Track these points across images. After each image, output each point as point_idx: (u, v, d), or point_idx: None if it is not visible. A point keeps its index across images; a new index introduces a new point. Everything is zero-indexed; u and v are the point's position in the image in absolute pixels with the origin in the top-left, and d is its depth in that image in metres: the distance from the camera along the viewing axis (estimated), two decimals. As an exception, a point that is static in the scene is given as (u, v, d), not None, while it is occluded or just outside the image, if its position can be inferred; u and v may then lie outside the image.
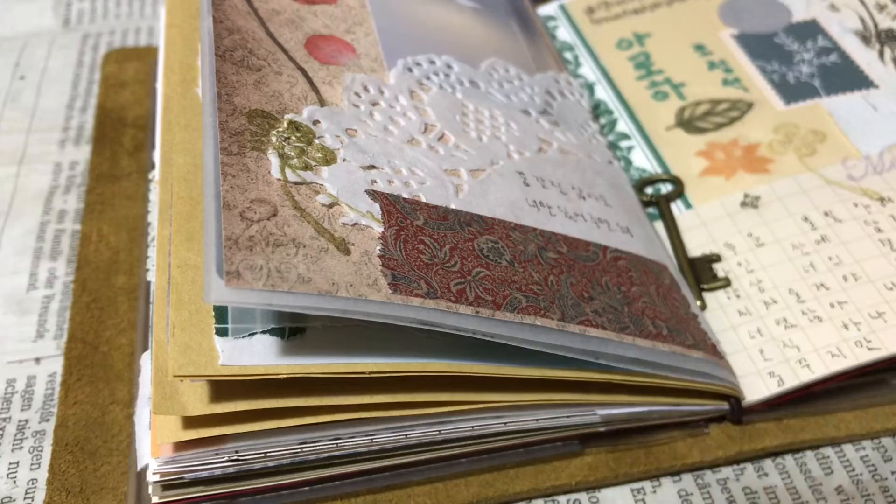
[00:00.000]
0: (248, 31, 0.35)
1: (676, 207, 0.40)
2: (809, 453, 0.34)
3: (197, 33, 0.36)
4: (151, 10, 0.55)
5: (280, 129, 0.32)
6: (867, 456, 0.34)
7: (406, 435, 0.30)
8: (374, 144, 0.33)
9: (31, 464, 0.33)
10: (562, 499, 0.32)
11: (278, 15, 0.37)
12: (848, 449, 0.34)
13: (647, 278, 0.35)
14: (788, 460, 0.34)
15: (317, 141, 0.32)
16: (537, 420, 0.31)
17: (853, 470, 0.33)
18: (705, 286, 0.37)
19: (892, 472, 0.33)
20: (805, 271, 0.37)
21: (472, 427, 0.31)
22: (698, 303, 0.36)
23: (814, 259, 0.37)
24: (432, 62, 0.40)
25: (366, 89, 0.36)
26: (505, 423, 0.31)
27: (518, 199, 0.35)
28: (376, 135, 0.34)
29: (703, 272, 0.37)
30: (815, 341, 0.34)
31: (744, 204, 0.39)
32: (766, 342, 0.35)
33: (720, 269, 0.38)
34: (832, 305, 0.35)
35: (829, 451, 0.34)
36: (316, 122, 0.33)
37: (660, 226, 0.40)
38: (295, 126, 0.32)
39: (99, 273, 0.37)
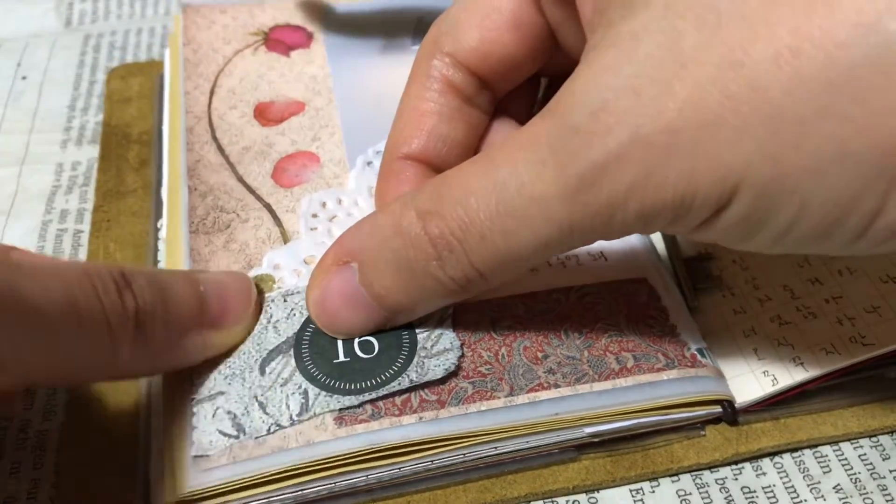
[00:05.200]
0: (219, 186, 0.37)
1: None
2: (808, 452, 0.32)
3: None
4: (153, 12, 0.53)
5: None
6: (865, 455, 0.32)
7: (400, 469, 0.29)
8: None
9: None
10: (560, 500, 0.31)
11: (248, 151, 0.38)
12: (846, 447, 0.32)
13: (618, 306, 0.33)
14: (787, 459, 0.32)
15: (276, 285, 0.33)
16: (528, 442, 0.30)
17: (851, 469, 0.32)
18: (700, 286, 0.35)
19: (891, 471, 0.32)
20: (800, 266, 0.35)
21: (464, 455, 0.30)
22: (691, 303, 0.34)
23: (808, 254, 0.35)
24: None
25: (323, 206, 0.36)
26: (496, 448, 0.30)
27: None
28: None
29: (697, 272, 0.35)
30: (810, 339, 0.33)
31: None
32: (761, 341, 0.33)
33: (715, 267, 0.36)
34: (826, 301, 0.34)
35: (827, 449, 0.32)
36: (276, 266, 0.34)
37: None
38: (257, 279, 0.33)
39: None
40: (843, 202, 0.24)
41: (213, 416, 0.30)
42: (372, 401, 0.30)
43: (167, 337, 0.29)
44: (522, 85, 0.35)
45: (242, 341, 0.31)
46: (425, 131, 0.33)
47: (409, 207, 0.29)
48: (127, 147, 0.43)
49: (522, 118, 0.35)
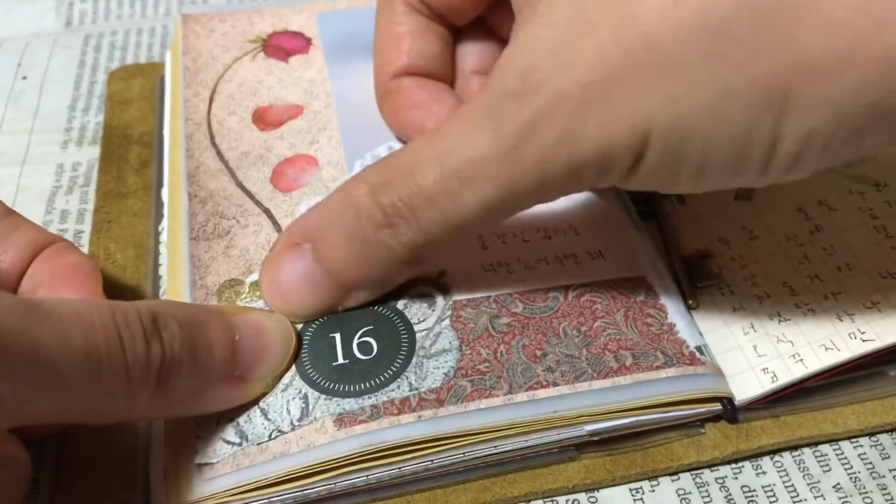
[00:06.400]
0: (219, 192, 0.37)
1: (669, 203, 0.37)
2: (807, 451, 0.32)
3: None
4: (153, 12, 0.52)
5: (243, 294, 0.33)
6: (865, 454, 0.32)
7: (399, 468, 0.29)
8: None
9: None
10: (560, 499, 0.31)
11: (247, 156, 0.38)
12: (846, 446, 0.32)
13: (616, 304, 0.33)
14: (786, 458, 0.32)
15: None
16: (527, 441, 0.30)
17: (851, 468, 0.31)
18: (699, 284, 0.35)
19: (890, 470, 0.31)
20: (799, 263, 0.34)
21: (464, 454, 0.29)
22: (690, 302, 0.34)
23: (808, 250, 0.35)
24: (391, 148, 0.38)
25: None
26: (496, 447, 0.30)
27: (472, 269, 0.33)
28: None
29: (695, 270, 0.35)
30: (809, 335, 0.32)
31: (737, 196, 0.37)
32: (760, 337, 0.33)
33: (714, 264, 0.35)
34: (826, 297, 0.33)
35: (826, 448, 0.32)
36: None
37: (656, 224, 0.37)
38: (256, 285, 0.33)
39: (105, 291, 0.35)
40: (741, 137, 0.26)
41: (217, 423, 0.29)
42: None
43: (191, 389, 0.27)
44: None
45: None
46: (404, 50, 0.37)
47: (360, 182, 0.30)
48: (128, 148, 0.43)
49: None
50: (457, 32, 0.38)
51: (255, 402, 0.30)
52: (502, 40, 0.38)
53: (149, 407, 0.26)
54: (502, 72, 0.28)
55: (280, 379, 0.30)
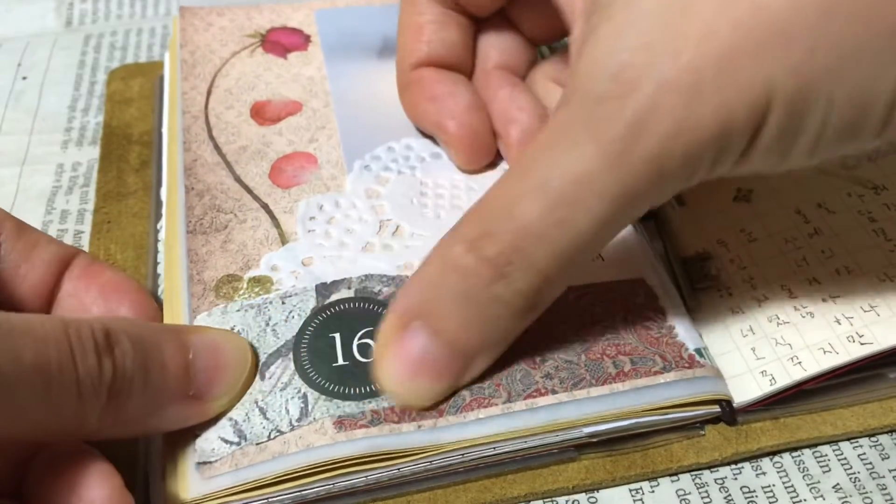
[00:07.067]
0: (217, 185, 0.36)
1: (668, 205, 0.37)
2: (807, 451, 0.32)
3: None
4: (153, 12, 0.52)
5: (242, 290, 0.32)
6: (864, 454, 0.32)
7: (399, 469, 0.29)
8: (329, 266, 0.33)
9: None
10: (560, 500, 0.30)
11: (245, 150, 0.37)
12: (846, 447, 0.32)
13: (615, 307, 0.32)
14: (786, 458, 0.31)
15: (274, 287, 0.33)
16: (526, 443, 0.30)
17: (851, 468, 0.31)
18: (697, 286, 0.34)
19: (890, 471, 0.31)
20: (798, 266, 0.34)
21: (463, 455, 0.29)
22: (689, 304, 0.34)
23: (806, 253, 0.35)
24: (391, 149, 0.38)
25: (320, 208, 0.35)
26: (494, 449, 0.29)
27: None
28: (332, 254, 0.34)
29: (694, 272, 0.35)
30: (807, 338, 0.32)
31: (736, 198, 0.37)
32: (759, 340, 0.33)
33: (713, 267, 0.35)
34: (824, 300, 0.33)
35: (826, 449, 0.32)
36: (274, 268, 0.33)
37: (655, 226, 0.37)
38: (255, 281, 0.33)
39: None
40: (865, 93, 0.24)
41: (216, 422, 0.29)
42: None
43: (143, 406, 0.27)
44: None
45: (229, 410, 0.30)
46: (425, 40, 0.37)
47: (456, 241, 0.28)
48: (128, 148, 0.42)
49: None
50: (479, 25, 0.38)
51: (254, 400, 0.29)
52: (522, 35, 0.38)
53: (99, 424, 0.26)
54: (588, 78, 0.26)
55: (239, 399, 0.29)
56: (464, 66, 0.38)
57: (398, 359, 0.29)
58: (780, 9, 0.24)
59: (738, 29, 0.24)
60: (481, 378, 0.30)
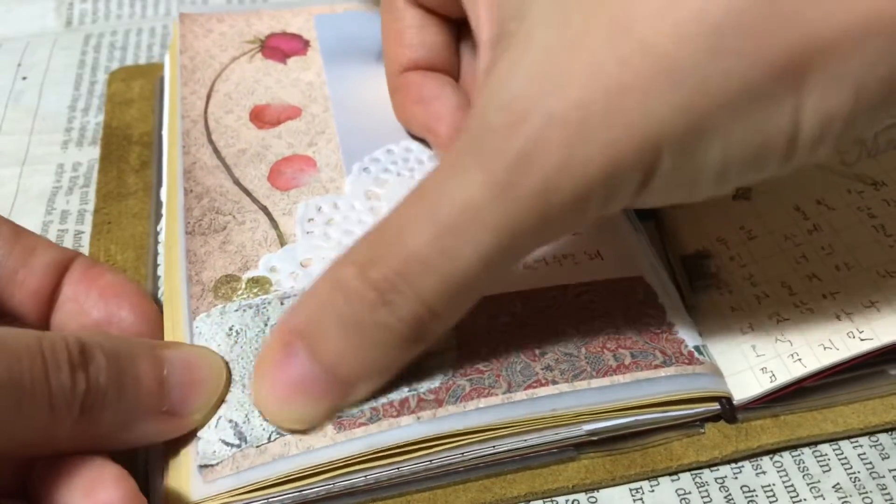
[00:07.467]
0: (216, 188, 0.36)
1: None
2: (807, 450, 0.31)
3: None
4: (153, 12, 0.52)
5: (240, 290, 0.32)
6: (864, 454, 0.31)
7: (399, 469, 0.29)
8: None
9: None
10: (560, 500, 0.30)
11: (244, 154, 0.38)
12: (846, 446, 0.32)
13: (614, 303, 0.32)
14: (786, 458, 0.31)
15: (272, 288, 0.33)
16: (526, 441, 0.30)
17: (851, 468, 0.31)
18: (697, 284, 0.34)
19: (890, 470, 0.31)
20: (797, 262, 0.34)
21: (463, 454, 0.29)
22: (688, 301, 0.34)
23: (806, 250, 0.34)
24: (390, 152, 0.38)
25: (319, 210, 0.35)
26: (494, 447, 0.29)
27: None
28: (330, 255, 0.33)
29: (694, 270, 0.35)
30: (807, 334, 0.32)
31: (736, 196, 0.37)
32: (759, 337, 0.32)
33: (712, 264, 0.35)
34: (824, 296, 0.33)
35: (826, 448, 0.32)
36: (273, 269, 0.33)
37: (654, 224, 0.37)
38: (254, 281, 0.33)
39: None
40: (761, 129, 0.24)
41: (216, 425, 0.29)
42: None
43: (116, 421, 0.26)
44: None
45: (203, 424, 0.29)
46: (406, 44, 0.37)
47: (345, 264, 0.27)
48: (128, 149, 0.42)
49: None
50: (460, 26, 0.38)
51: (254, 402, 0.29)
52: None
53: (71, 437, 0.26)
54: (482, 107, 0.26)
55: (213, 413, 0.29)
56: (450, 68, 0.38)
57: (275, 379, 0.28)
58: (666, 47, 0.23)
59: (625, 66, 0.24)
60: (481, 370, 0.30)
